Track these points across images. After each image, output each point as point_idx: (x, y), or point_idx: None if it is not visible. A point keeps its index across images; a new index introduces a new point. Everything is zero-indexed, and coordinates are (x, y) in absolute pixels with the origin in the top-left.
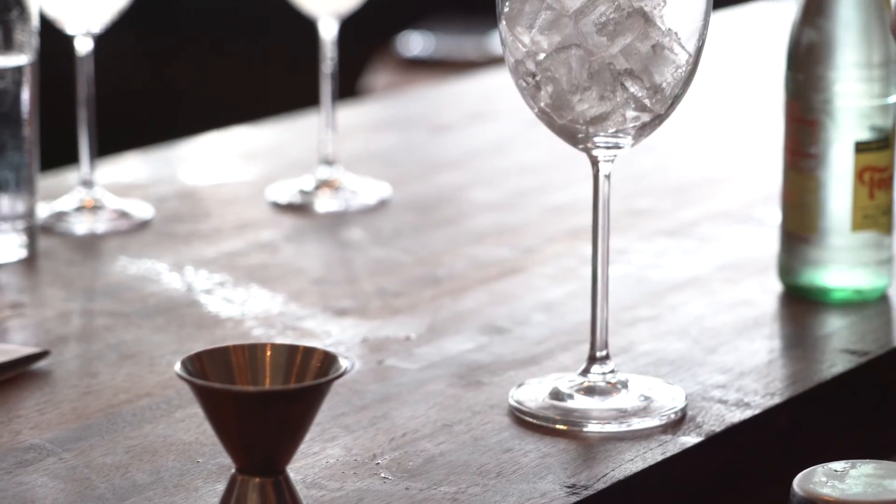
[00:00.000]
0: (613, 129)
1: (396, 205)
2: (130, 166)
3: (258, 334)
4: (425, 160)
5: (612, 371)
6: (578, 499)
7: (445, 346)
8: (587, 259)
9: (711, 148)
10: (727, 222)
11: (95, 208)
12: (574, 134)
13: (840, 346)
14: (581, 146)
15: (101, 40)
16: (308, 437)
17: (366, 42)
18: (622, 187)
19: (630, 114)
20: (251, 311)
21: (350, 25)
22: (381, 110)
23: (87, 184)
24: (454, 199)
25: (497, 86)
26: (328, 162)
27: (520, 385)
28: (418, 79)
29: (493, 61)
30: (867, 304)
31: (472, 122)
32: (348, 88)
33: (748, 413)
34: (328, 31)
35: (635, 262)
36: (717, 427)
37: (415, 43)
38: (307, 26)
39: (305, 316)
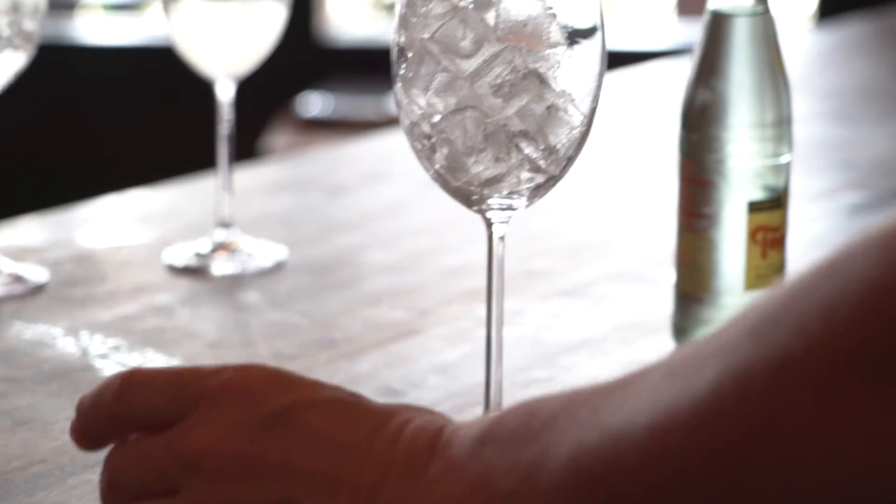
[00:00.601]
0: (508, 191)
1: (293, 267)
2: (26, 230)
3: None
4: (322, 222)
5: None
6: None
7: None
8: (483, 320)
9: (606, 208)
10: (622, 283)
11: None
12: (468, 196)
13: None
14: (475, 208)
15: None
16: None
17: (265, 103)
18: (518, 248)
19: (524, 175)
20: None
21: (249, 86)
22: (278, 172)
23: None
24: (351, 260)
25: (394, 147)
26: (225, 224)
27: None
28: (318, 139)
29: (392, 121)
30: None
31: (370, 183)
32: (247, 150)
33: None
34: (225, 93)
35: (530, 323)
36: None
37: (314, 103)
38: (204, 88)
39: None
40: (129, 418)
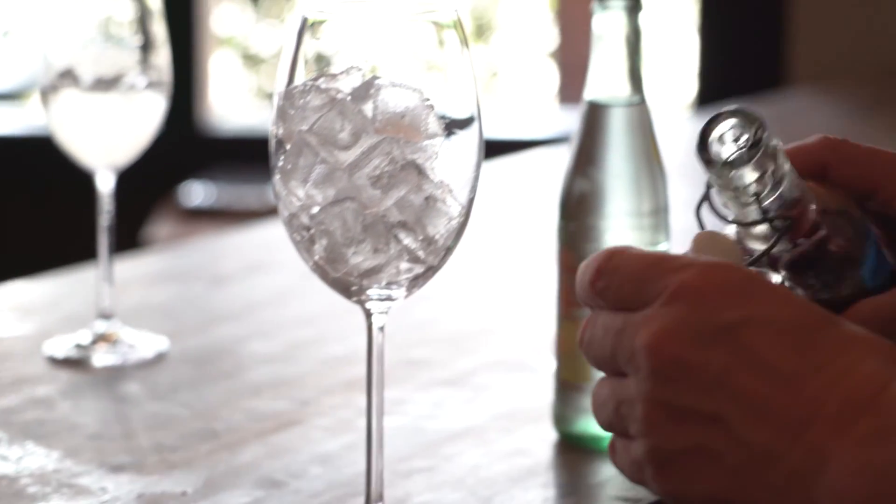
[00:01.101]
0: (387, 282)
1: (174, 358)
2: None
3: (33, 492)
4: (204, 312)
5: None
6: None
7: (222, 501)
8: (364, 410)
9: (487, 297)
10: (502, 371)
11: None
12: (348, 287)
13: (614, 493)
14: (355, 298)
15: None
16: None
17: (147, 192)
18: (399, 337)
19: (403, 266)
20: (26, 468)
21: (130, 175)
22: (159, 262)
23: None
24: (232, 351)
25: (276, 236)
26: (105, 316)
27: None
28: (200, 229)
29: (275, 211)
30: None
31: (252, 273)
32: (130, 240)
33: None
34: (105, 184)
35: (412, 412)
36: None
37: (196, 193)
38: (85, 178)
39: (81, 472)
40: (602, 294)
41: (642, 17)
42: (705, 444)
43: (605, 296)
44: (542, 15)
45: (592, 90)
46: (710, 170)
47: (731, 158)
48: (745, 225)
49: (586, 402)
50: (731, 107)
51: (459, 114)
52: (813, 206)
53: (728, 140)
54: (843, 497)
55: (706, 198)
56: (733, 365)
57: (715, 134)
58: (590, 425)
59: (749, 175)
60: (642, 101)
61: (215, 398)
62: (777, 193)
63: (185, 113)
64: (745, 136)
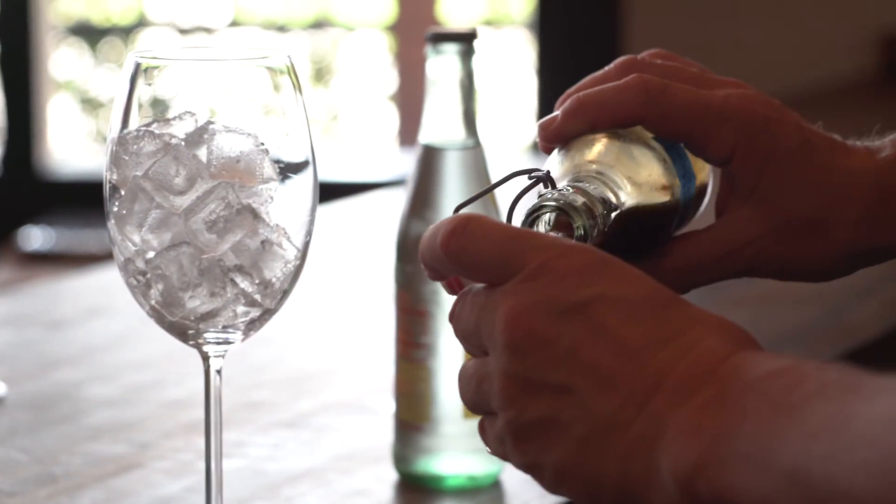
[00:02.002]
0: (224, 325)
1: (12, 403)
2: None
3: None
4: (41, 357)
5: None
6: None
7: None
8: (204, 453)
9: (325, 339)
10: (342, 413)
11: None
12: (185, 330)
13: None
14: (192, 342)
15: None
16: None
17: None
18: (239, 379)
19: (240, 309)
20: None
21: None
22: None
23: None
24: (70, 395)
25: (115, 280)
26: None
27: None
28: (39, 273)
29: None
30: (481, 491)
31: (90, 317)
32: None
33: None
34: None
35: (252, 454)
36: None
37: (35, 237)
38: None
39: None
40: (454, 257)
41: (476, 62)
42: (557, 415)
43: (458, 259)
44: (382, 58)
45: (427, 133)
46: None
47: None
48: None
49: (425, 442)
50: (550, 202)
51: (294, 158)
52: (618, 209)
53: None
54: (679, 459)
55: (517, 201)
56: (583, 339)
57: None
58: (429, 465)
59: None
60: (477, 145)
61: (54, 442)
62: (596, 230)
63: (24, 157)
64: (570, 223)
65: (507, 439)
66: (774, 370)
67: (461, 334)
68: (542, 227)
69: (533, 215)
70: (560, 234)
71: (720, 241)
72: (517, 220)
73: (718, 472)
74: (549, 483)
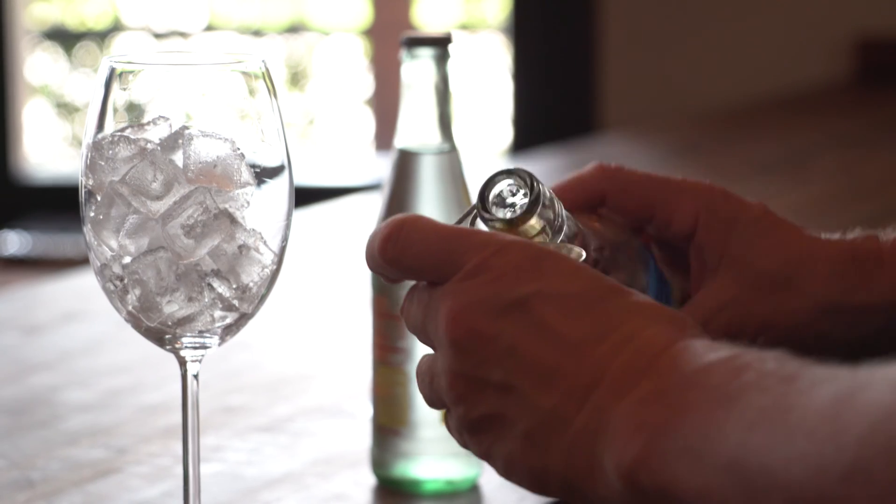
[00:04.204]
0: (200, 330)
1: None
2: None
3: None
4: (17, 362)
5: None
6: None
7: None
8: (181, 457)
9: (303, 344)
10: (320, 417)
11: None
12: (161, 335)
13: None
14: (168, 347)
15: None
16: None
17: None
18: (216, 384)
19: (218, 314)
20: None
21: None
22: None
23: None
24: (48, 400)
25: (91, 285)
26: None
27: None
28: (16, 278)
29: None
30: (459, 495)
31: (67, 322)
32: None
33: None
34: None
35: (230, 458)
36: None
37: (11, 242)
38: None
39: None
40: (394, 263)
41: (451, 66)
42: (502, 411)
43: (398, 265)
44: (357, 62)
45: (402, 138)
46: (495, 228)
47: (514, 217)
48: None
49: (403, 446)
50: (504, 168)
51: (270, 162)
52: (591, 245)
53: (507, 198)
54: (620, 453)
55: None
56: (523, 335)
57: (493, 195)
58: (407, 469)
59: (532, 228)
60: (453, 149)
61: (31, 447)
62: (559, 239)
63: (0, 162)
64: (523, 192)
65: (462, 431)
66: (714, 361)
67: (411, 330)
68: (503, 191)
69: (490, 184)
70: (513, 210)
71: (696, 311)
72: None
73: (659, 465)
74: (503, 472)
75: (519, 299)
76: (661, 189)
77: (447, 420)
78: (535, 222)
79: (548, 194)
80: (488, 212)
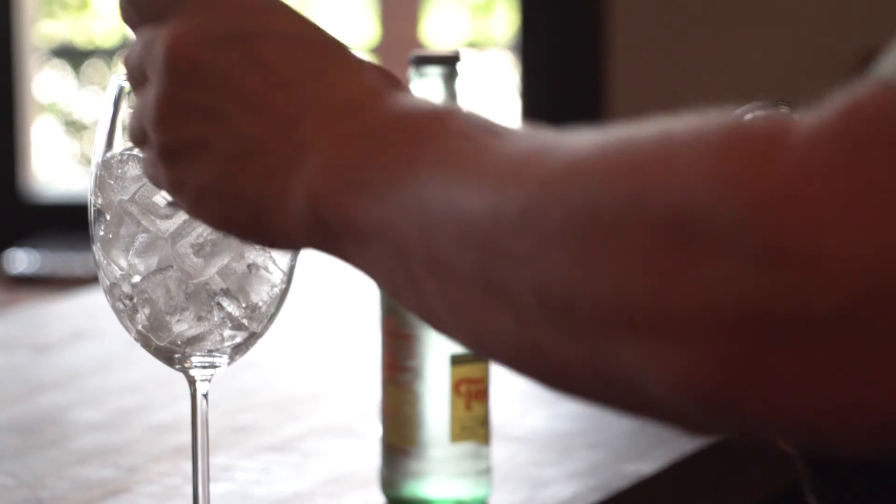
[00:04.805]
0: (210, 349)
1: None
2: None
3: None
4: (27, 381)
5: None
6: None
7: None
8: (191, 477)
9: (312, 363)
10: (330, 436)
11: None
12: (171, 354)
13: None
14: (178, 366)
15: None
16: None
17: None
18: (226, 403)
19: (227, 333)
20: None
21: None
22: None
23: None
24: (57, 419)
25: (100, 304)
26: None
27: None
28: (25, 296)
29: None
30: None
31: (76, 340)
32: None
33: None
34: None
35: (239, 478)
36: None
37: (20, 260)
38: None
39: None
40: (133, 8)
41: (459, 84)
42: (205, 137)
43: (137, 7)
44: None
45: None
46: None
47: None
48: None
49: (413, 466)
50: None
51: None
52: None
53: None
54: (312, 182)
55: None
56: (238, 66)
57: None
58: (417, 489)
59: None
60: None
61: (41, 467)
62: None
63: (8, 180)
64: None
65: (158, 162)
66: (423, 109)
67: (129, 68)
68: None
69: None
70: None
71: None
72: None
73: (346, 197)
74: (191, 203)
75: (242, 33)
76: None
77: (145, 154)
78: None
79: None
80: None
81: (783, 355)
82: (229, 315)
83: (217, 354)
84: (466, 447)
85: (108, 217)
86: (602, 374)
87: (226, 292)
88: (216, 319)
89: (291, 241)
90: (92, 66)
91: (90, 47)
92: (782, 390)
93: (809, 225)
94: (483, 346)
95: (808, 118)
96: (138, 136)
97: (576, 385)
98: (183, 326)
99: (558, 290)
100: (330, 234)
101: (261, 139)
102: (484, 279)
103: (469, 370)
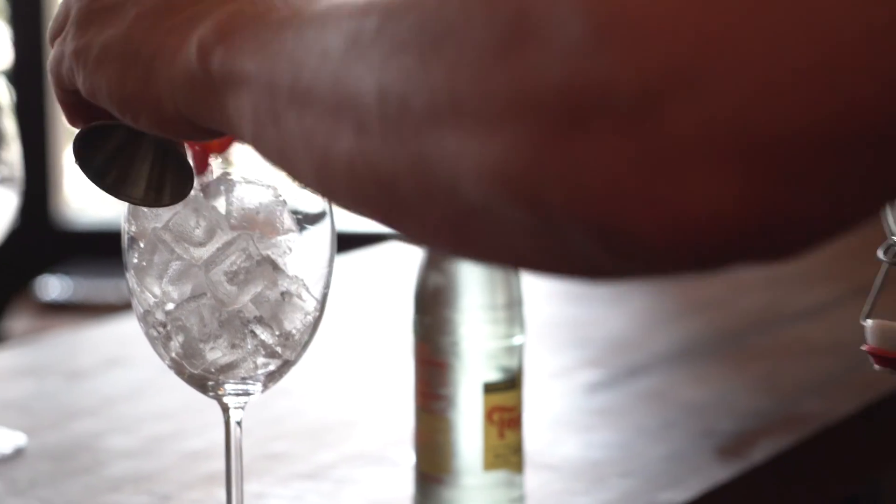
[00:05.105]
0: (244, 377)
1: (32, 454)
2: None
3: None
4: (61, 408)
5: None
6: None
7: None
8: None
9: (345, 391)
10: (363, 464)
11: None
12: (204, 382)
13: None
14: (212, 394)
15: None
16: None
17: (3, 286)
18: (259, 431)
19: (260, 360)
20: None
21: None
22: (16, 357)
23: None
24: (91, 446)
25: (133, 330)
26: None
27: None
28: (58, 323)
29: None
30: None
31: (109, 367)
32: None
33: None
34: None
35: None
36: None
37: (53, 287)
38: None
39: None
40: None
41: None
42: (123, 2)
43: None
44: None
45: None
46: None
47: None
48: None
49: (446, 494)
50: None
51: (312, 209)
52: None
53: None
54: (207, 34)
55: None
56: None
57: None
58: None
59: None
60: None
61: (74, 494)
62: None
63: (41, 207)
64: None
65: (70, 30)
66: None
67: (55, 25)
68: None
69: None
70: None
71: None
72: None
73: (234, 46)
74: (91, 69)
75: None
76: None
77: (54, 50)
78: None
79: None
80: None
81: (585, 140)
82: (263, 343)
83: (250, 382)
84: (499, 475)
85: (141, 244)
86: (424, 180)
87: (259, 320)
88: (249, 347)
89: (176, 99)
90: None
91: None
92: (581, 177)
93: (636, 3)
94: (324, 173)
95: None
96: (59, 25)
97: (400, 199)
98: (216, 354)
99: (397, 91)
100: (211, 86)
101: (174, 1)
102: (337, 94)
103: (502, 398)
